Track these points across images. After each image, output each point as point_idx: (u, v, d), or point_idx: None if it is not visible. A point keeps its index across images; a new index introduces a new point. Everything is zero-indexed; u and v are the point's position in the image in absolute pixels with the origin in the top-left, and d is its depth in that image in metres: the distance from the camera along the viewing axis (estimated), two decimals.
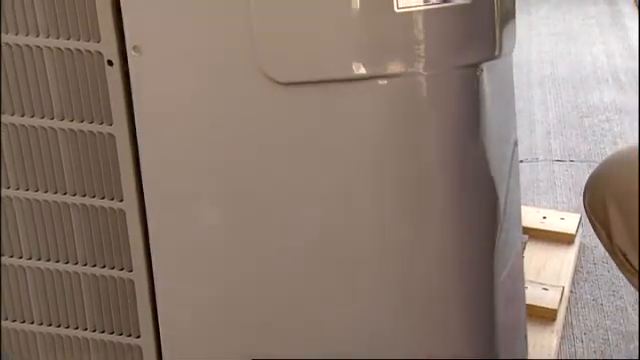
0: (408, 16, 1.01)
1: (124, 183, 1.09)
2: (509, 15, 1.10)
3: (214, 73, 1.03)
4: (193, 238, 1.10)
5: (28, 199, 1.12)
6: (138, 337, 1.16)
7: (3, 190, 1.13)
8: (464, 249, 1.10)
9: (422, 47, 1.02)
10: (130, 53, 1.02)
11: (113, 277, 1.14)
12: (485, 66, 1.06)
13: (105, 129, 1.06)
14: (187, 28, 1.02)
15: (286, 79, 1.02)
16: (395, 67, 1.02)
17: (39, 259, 1.16)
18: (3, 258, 1.17)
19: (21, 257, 1.16)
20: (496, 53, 1.08)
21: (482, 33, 1.06)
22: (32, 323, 1.19)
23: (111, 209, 1.11)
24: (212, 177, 1.07)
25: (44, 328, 1.19)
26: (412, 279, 1.10)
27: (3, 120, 1.09)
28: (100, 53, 1.03)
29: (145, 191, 1.09)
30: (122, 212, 1.10)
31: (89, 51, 1.03)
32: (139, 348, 1.17)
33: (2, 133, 1.10)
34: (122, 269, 1.14)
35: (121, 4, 1.01)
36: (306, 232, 1.08)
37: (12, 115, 1.09)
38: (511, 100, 1.19)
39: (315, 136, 1.05)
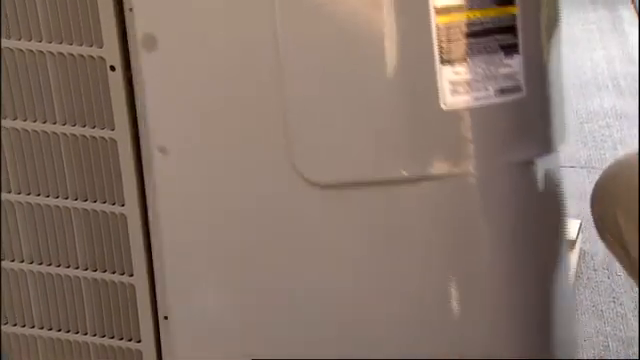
0: (456, 114, 0.93)
1: (125, 187, 1.09)
2: (562, 104, 1.02)
3: (245, 175, 0.98)
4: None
5: (30, 203, 1.13)
6: (139, 342, 1.16)
7: (5, 194, 1.13)
8: (517, 341, 1.03)
9: (472, 146, 0.94)
10: (155, 154, 0.98)
11: (114, 281, 1.14)
12: (539, 160, 0.99)
13: (107, 134, 1.06)
14: (216, 128, 0.97)
15: (323, 181, 0.95)
16: (442, 168, 0.94)
17: (40, 263, 1.16)
18: (4, 262, 1.17)
19: (22, 261, 1.16)
20: (551, 147, 1.00)
21: (536, 128, 0.98)
22: (33, 327, 1.19)
23: (112, 214, 1.11)
24: (237, 281, 1.03)
25: (44, 332, 1.19)
26: None
27: (6, 124, 1.09)
28: (103, 58, 1.03)
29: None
30: (123, 217, 1.10)
31: (92, 56, 1.03)
32: (139, 352, 1.17)
33: (4, 137, 1.10)
34: (123, 273, 1.14)
35: (146, 104, 0.97)
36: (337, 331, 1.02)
37: (14, 119, 1.09)
38: (561, 191, 1.08)
39: (354, 243, 0.98)
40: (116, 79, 1.03)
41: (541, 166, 0.99)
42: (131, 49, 1.02)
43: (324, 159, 0.95)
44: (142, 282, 1.13)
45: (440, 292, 0.99)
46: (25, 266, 1.16)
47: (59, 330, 1.19)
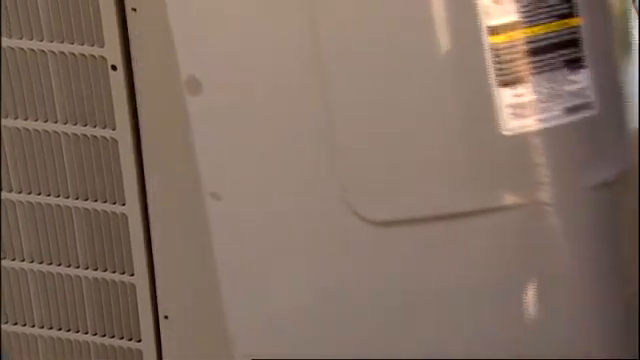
0: (520, 138, 0.86)
1: (126, 187, 1.09)
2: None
3: (300, 216, 0.93)
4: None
5: (30, 202, 1.13)
6: (139, 341, 1.16)
7: (5, 193, 1.13)
8: None
9: (541, 171, 0.87)
10: (207, 199, 0.94)
11: (114, 281, 1.14)
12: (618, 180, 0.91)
13: (108, 133, 1.07)
14: (267, 170, 0.93)
15: (380, 217, 0.90)
16: (510, 197, 0.87)
17: (41, 262, 1.16)
18: (4, 261, 1.17)
19: (23, 260, 1.16)
20: (630, 164, 0.93)
21: (612, 146, 0.91)
22: (33, 326, 1.19)
23: (113, 213, 1.11)
24: (293, 319, 0.98)
25: (45, 331, 1.19)
26: None
27: (7, 123, 1.09)
28: (104, 58, 1.03)
29: None
30: (124, 216, 1.10)
31: (93, 56, 1.03)
32: (140, 352, 1.17)
33: (5, 136, 1.10)
34: (123, 273, 1.14)
35: (196, 149, 0.94)
36: None
37: (15, 118, 1.09)
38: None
39: (415, 284, 0.92)
40: (117, 78, 1.03)
41: (621, 186, 0.92)
42: (132, 48, 1.02)
43: (382, 196, 0.90)
44: (142, 281, 1.13)
45: (514, 323, 0.93)
46: (25, 265, 1.16)
47: (59, 329, 1.19)
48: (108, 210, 1.11)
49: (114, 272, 1.14)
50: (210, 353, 1.15)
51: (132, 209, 1.10)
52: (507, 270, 0.91)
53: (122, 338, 1.17)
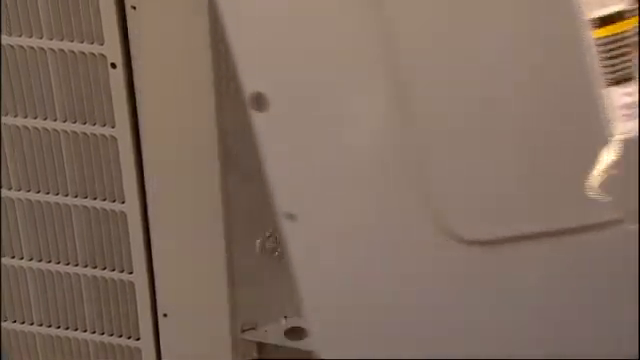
0: (634, 142, 0.78)
1: (126, 185, 1.09)
2: None
3: (384, 235, 0.87)
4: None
5: (30, 200, 1.13)
6: (138, 339, 1.16)
7: (5, 191, 1.13)
8: None
9: None
10: (284, 221, 0.87)
11: (113, 279, 1.15)
12: None
13: (107, 131, 1.07)
14: (347, 189, 0.86)
15: (479, 237, 0.83)
16: (626, 210, 0.80)
17: (40, 260, 1.16)
18: (4, 259, 1.17)
19: (22, 258, 1.16)
20: None
21: None
22: (32, 324, 1.19)
23: (112, 211, 1.11)
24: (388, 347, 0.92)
25: (44, 329, 1.19)
26: None
27: (6, 121, 1.09)
28: (103, 56, 1.03)
29: None
30: (123, 214, 1.10)
31: (93, 53, 1.03)
32: (139, 350, 1.17)
33: (5, 134, 1.10)
34: (122, 271, 1.14)
35: (267, 169, 0.85)
36: None
37: (15, 116, 1.09)
38: None
39: (512, 303, 0.86)
40: (117, 76, 1.03)
41: None
42: (132, 46, 1.02)
43: (481, 215, 0.83)
44: (142, 279, 1.13)
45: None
46: (25, 263, 1.16)
47: (58, 327, 1.19)
48: (107, 208, 1.11)
49: (113, 270, 1.14)
50: (209, 351, 1.15)
51: (131, 207, 1.10)
52: (621, 287, 0.85)
53: (121, 336, 1.17)
